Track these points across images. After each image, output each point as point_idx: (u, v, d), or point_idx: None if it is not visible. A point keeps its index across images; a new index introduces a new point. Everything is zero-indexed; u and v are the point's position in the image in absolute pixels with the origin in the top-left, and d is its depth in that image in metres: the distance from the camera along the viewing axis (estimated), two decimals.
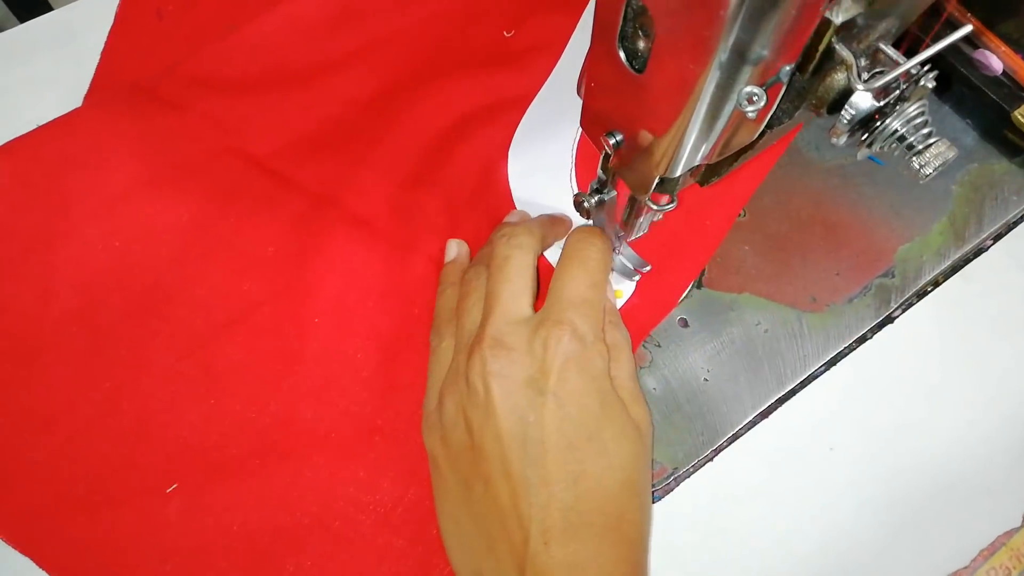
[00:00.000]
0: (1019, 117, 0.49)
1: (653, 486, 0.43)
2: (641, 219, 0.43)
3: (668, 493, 0.43)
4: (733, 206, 0.50)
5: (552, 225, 0.46)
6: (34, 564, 0.40)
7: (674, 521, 0.43)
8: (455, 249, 0.46)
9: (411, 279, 0.46)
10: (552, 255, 0.48)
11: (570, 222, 0.48)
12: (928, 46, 0.28)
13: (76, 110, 0.50)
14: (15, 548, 0.40)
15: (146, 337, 0.44)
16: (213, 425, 0.43)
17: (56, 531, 0.40)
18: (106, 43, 0.54)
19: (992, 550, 0.43)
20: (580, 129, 0.51)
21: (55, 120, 0.49)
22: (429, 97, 0.53)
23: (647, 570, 0.38)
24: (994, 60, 0.51)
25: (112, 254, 0.46)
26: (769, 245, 0.49)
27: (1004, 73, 0.51)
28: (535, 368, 0.36)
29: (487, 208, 0.49)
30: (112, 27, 0.55)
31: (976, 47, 0.51)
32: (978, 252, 0.50)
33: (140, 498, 0.41)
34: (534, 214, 0.49)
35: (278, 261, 0.47)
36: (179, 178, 0.49)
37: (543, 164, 0.51)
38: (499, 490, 0.35)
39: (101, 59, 0.54)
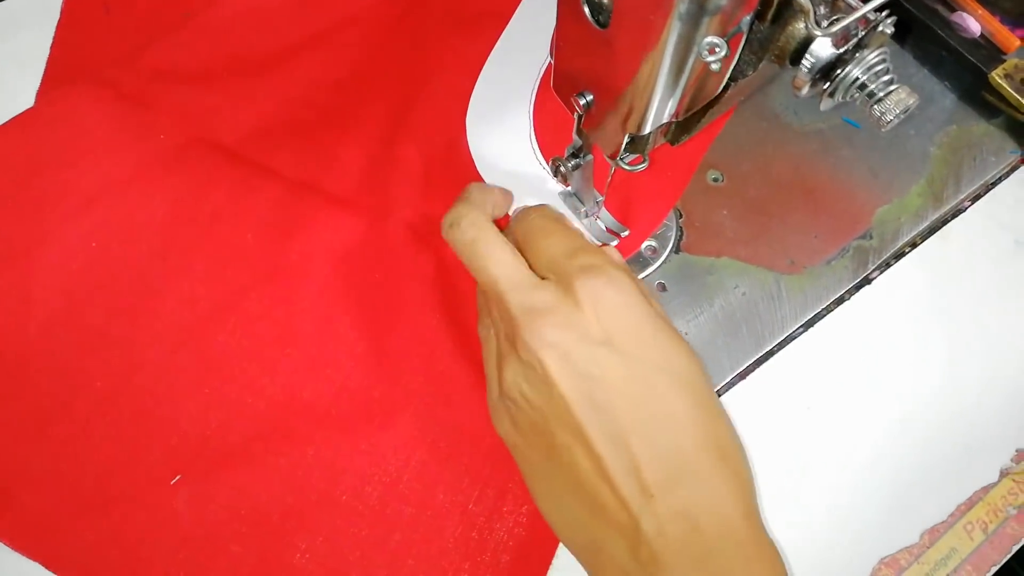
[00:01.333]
0: (996, 79, 0.49)
1: None
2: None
3: None
4: (693, 156, 0.50)
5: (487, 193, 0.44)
6: (44, 569, 0.40)
7: None
8: None
9: (392, 251, 0.46)
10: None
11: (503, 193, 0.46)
12: None
13: (35, 108, 0.50)
14: (25, 555, 0.40)
15: (135, 333, 0.44)
16: (212, 413, 0.43)
17: (65, 534, 0.40)
18: (54, 37, 0.54)
19: (969, 505, 0.43)
20: (535, 92, 0.52)
21: (15, 119, 0.49)
22: (391, 72, 0.53)
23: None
24: (972, 22, 0.51)
25: (91, 255, 0.46)
26: (747, 209, 0.49)
27: (981, 35, 0.51)
28: (577, 322, 0.35)
29: (456, 175, 0.49)
30: (59, 20, 0.54)
31: (953, 10, 0.51)
32: (956, 213, 0.50)
33: (146, 492, 0.41)
34: (498, 179, 0.49)
35: (259, 247, 0.47)
36: (151, 173, 0.48)
37: (501, 128, 0.51)
38: (581, 457, 0.34)
39: (51, 53, 0.53)
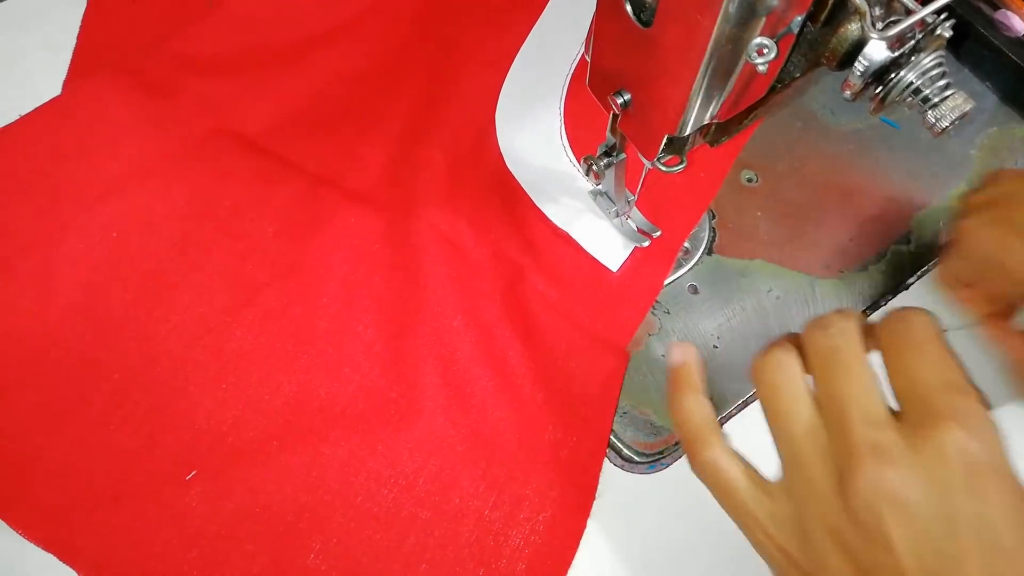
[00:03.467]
0: None
1: (660, 454, 0.43)
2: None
3: (675, 462, 0.43)
4: (727, 155, 0.49)
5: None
6: (58, 561, 0.40)
7: (680, 491, 0.42)
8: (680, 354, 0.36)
9: (415, 251, 0.46)
10: (544, 205, 0.47)
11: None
12: None
13: (60, 97, 0.50)
14: (39, 547, 0.40)
15: (152, 326, 0.44)
16: (228, 409, 0.42)
17: (79, 527, 0.40)
18: (81, 26, 0.54)
19: None
20: (566, 88, 0.51)
21: (38, 109, 0.49)
22: (416, 66, 0.53)
23: None
24: (1016, 21, 0.49)
25: (110, 245, 0.46)
26: (782, 211, 0.48)
27: None
28: (935, 481, 0.27)
29: (482, 173, 0.48)
30: (86, 8, 0.54)
31: (997, 8, 0.50)
32: None
33: (160, 487, 0.41)
34: (527, 176, 0.48)
35: (279, 242, 0.46)
36: (172, 163, 0.48)
37: (532, 125, 0.50)
38: None
39: (78, 42, 0.53)
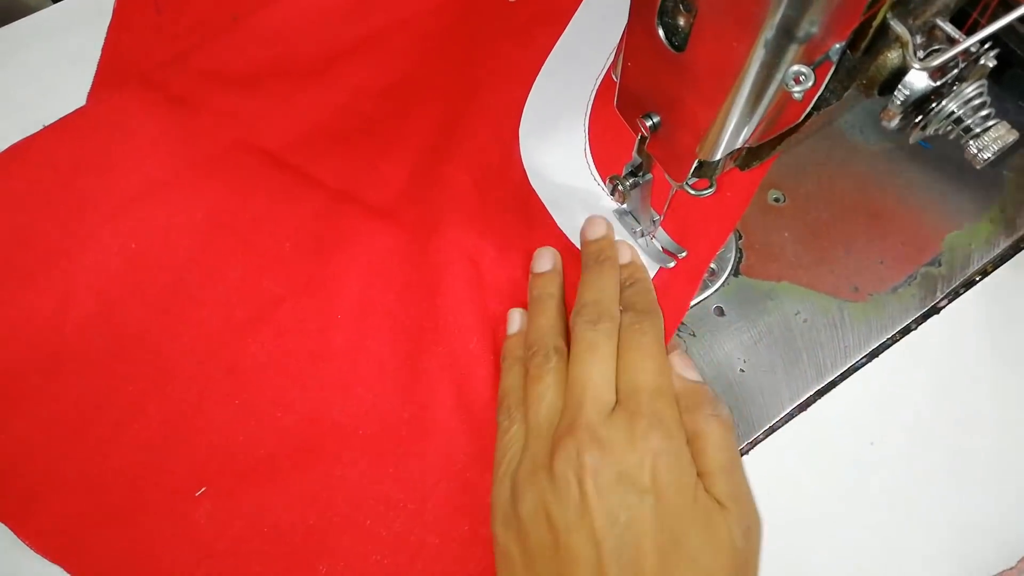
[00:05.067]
0: None
1: None
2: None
3: None
4: (754, 175, 0.48)
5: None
6: (67, 574, 0.39)
7: None
8: (518, 320, 0.43)
9: (433, 269, 0.45)
10: (565, 223, 0.47)
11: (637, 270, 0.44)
12: (985, 25, 0.26)
13: (83, 109, 0.50)
14: (47, 558, 0.39)
15: (168, 339, 0.44)
16: (240, 426, 0.42)
17: (87, 540, 0.40)
18: (106, 38, 0.54)
19: None
20: (591, 105, 0.50)
21: (63, 120, 0.49)
22: (439, 81, 0.52)
23: None
24: None
25: (129, 257, 0.46)
26: (810, 232, 0.47)
27: None
28: (629, 464, 0.34)
29: (505, 191, 0.48)
30: (111, 21, 0.54)
31: None
32: None
33: (170, 502, 0.40)
34: (551, 194, 0.47)
35: (297, 257, 0.46)
36: (193, 176, 0.48)
37: (555, 141, 0.49)
38: None
39: (103, 54, 0.53)
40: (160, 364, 0.43)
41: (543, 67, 0.52)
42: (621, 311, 0.40)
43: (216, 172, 0.48)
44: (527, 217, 0.47)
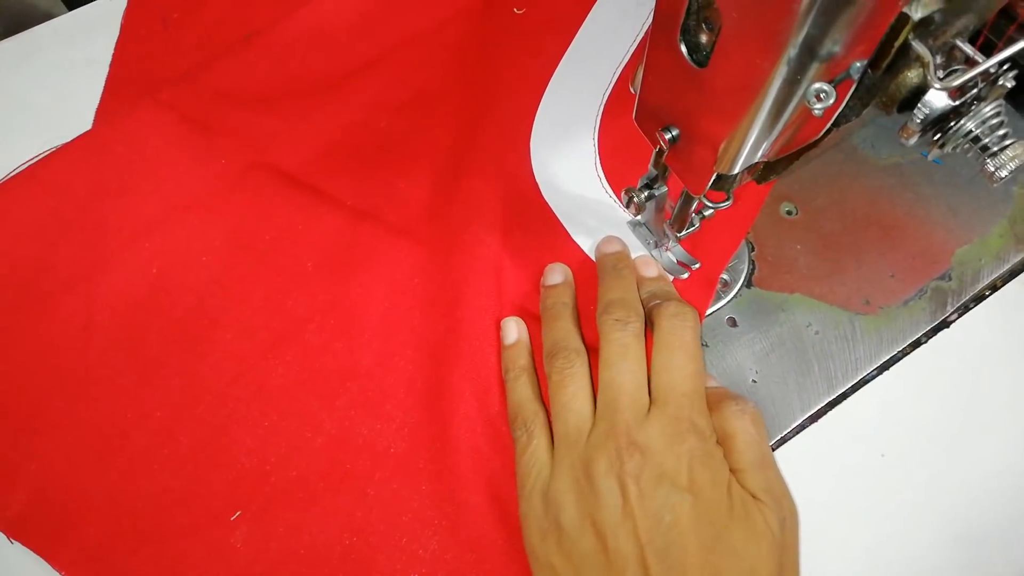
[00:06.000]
0: None
1: None
2: (692, 215, 0.42)
3: None
4: (764, 187, 0.48)
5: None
6: None
7: None
8: (515, 330, 0.43)
9: (453, 285, 0.45)
10: (580, 237, 0.47)
11: (657, 272, 0.45)
12: (1003, 47, 0.27)
13: (96, 131, 0.50)
14: None
15: (194, 362, 0.44)
16: (270, 448, 0.42)
17: (122, 568, 0.39)
18: (114, 54, 0.54)
19: None
20: (600, 116, 0.51)
21: (75, 142, 0.49)
22: (454, 95, 0.53)
23: None
24: None
25: (151, 281, 0.46)
26: (822, 245, 0.48)
27: None
28: (668, 466, 0.35)
29: (520, 204, 0.48)
30: (119, 38, 0.55)
31: None
32: None
33: (205, 528, 0.40)
34: (563, 206, 0.48)
35: (319, 277, 0.46)
36: (211, 198, 0.48)
37: (566, 153, 0.50)
38: None
39: (111, 71, 0.54)
40: (186, 388, 0.43)
41: (552, 78, 0.53)
42: (657, 304, 0.41)
43: (234, 194, 0.48)
44: (542, 230, 0.47)
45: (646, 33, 0.42)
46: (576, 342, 0.41)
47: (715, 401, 0.38)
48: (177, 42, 0.55)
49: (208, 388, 0.43)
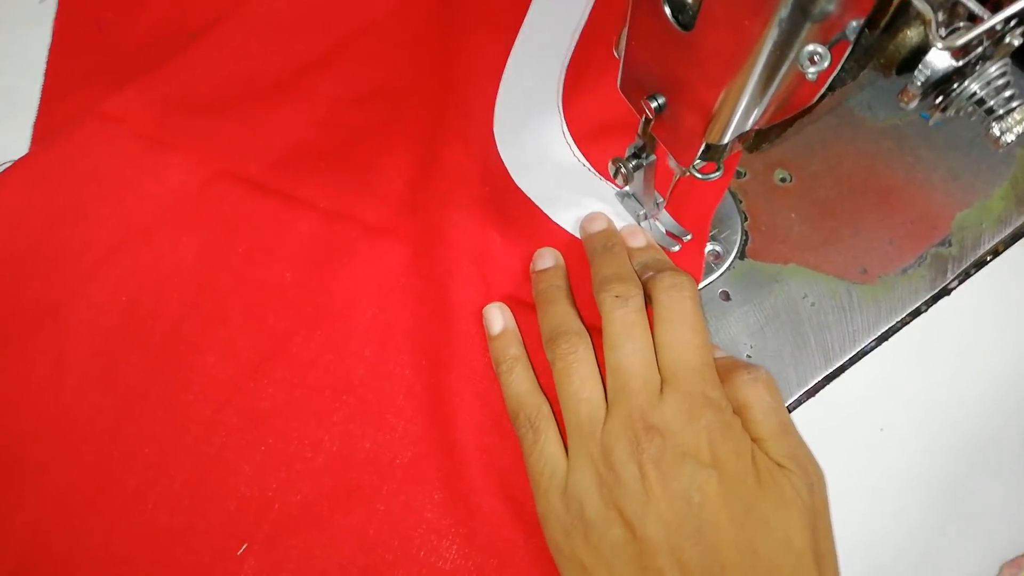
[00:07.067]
0: None
1: None
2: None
3: None
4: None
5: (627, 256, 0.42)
6: None
7: None
8: (499, 318, 0.41)
9: (441, 280, 0.43)
10: (561, 217, 0.45)
11: (644, 239, 0.43)
12: (1009, 2, 0.25)
13: (43, 154, 0.46)
14: None
15: (177, 391, 0.41)
16: (270, 473, 0.40)
17: None
18: (48, 62, 0.50)
19: None
20: (561, 87, 0.48)
21: (20, 167, 0.45)
22: (419, 82, 0.50)
23: None
24: None
25: (121, 310, 0.43)
26: (817, 212, 0.46)
27: None
28: (689, 445, 0.34)
29: (496, 193, 0.45)
30: (52, 44, 0.51)
31: None
32: None
33: (211, 565, 0.38)
34: (538, 188, 0.45)
35: (299, 287, 0.43)
36: (175, 215, 0.45)
37: (531, 136, 0.47)
38: None
39: (46, 79, 0.50)
40: (172, 420, 0.41)
41: (508, 60, 0.49)
42: (651, 276, 0.39)
43: (199, 208, 0.45)
44: (521, 216, 0.45)
45: None
46: (576, 324, 0.39)
47: (725, 371, 0.37)
48: (116, 46, 0.51)
49: (195, 417, 0.41)
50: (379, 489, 0.39)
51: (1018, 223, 0.46)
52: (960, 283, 0.45)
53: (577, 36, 0.50)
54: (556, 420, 0.38)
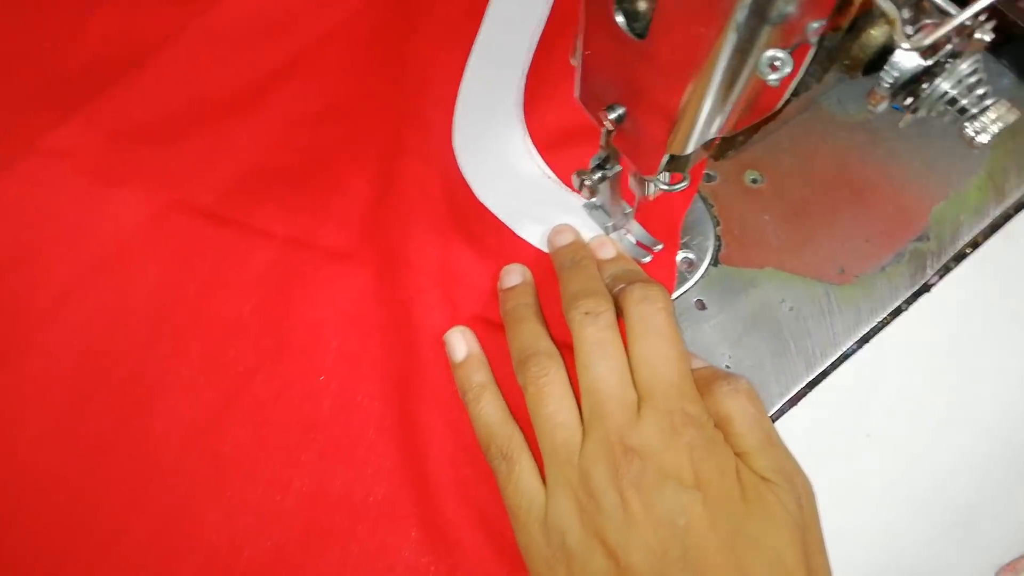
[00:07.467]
0: None
1: None
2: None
3: None
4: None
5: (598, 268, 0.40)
6: None
7: None
8: (462, 343, 0.40)
9: (407, 304, 0.41)
10: (527, 232, 0.43)
11: (613, 248, 0.41)
12: None
13: None
14: None
15: (139, 438, 0.39)
16: (238, 519, 0.38)
17: None
18: None
19: None
20: (522, 95, 0.46)
21: None
22: (377, 98, 0.47)
23: None
24: None
25: (76, 358, 0.41)
26: (791, 212, 0.45)
27: None
28: (670, 466, 0.32)
29: (461, 209, 0.44)
30: None
31: None
32: (1020, 207, 0.45)
33: None
34: (505, 205, 0.43)
35: (259, 321, 0.42)
36: (126, 253, 0.43)
37: (492, 150, 0.45)
38: None
39: None
40: (136, 467, 0.39)
41: (464, 70, 0.47)
42: (622, 288, 0.37)
43: (151, 244, 0.43)
44: (484, 233, 0.43)
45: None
46: (546, 344, 0.37)
47: (704, 383, 0.35)
48: (56, 72, 0.48)
49: (158, 465, 0.39)
50: (353, 530, 0.38)
51: (996, 213, 0.45)
52: (940, 278, 0.44)
53: (536, 42, 0.48)
54: (530, 446, 0.36)
